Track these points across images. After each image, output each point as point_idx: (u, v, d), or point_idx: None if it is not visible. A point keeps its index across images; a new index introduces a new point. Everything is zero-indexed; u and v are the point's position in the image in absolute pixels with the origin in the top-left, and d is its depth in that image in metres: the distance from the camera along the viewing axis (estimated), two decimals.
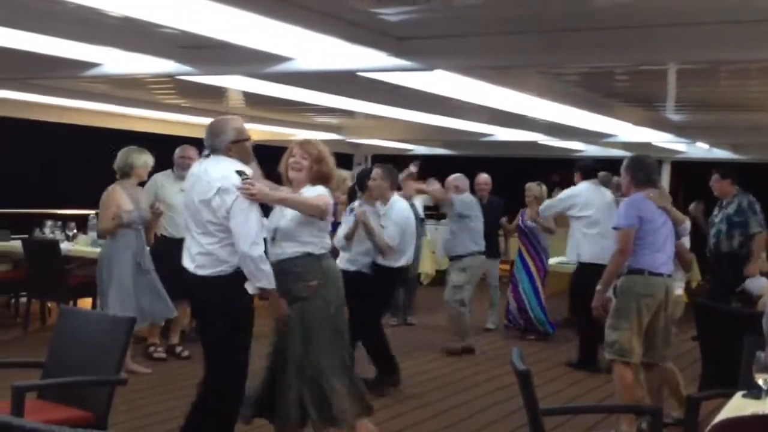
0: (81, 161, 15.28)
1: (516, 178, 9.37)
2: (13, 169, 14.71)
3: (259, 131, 10.96)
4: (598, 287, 5.01)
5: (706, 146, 11.17)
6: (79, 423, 3.55)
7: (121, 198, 6.25)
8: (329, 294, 4.53)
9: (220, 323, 4.14)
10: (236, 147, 4.20)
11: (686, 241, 5.70)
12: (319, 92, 7.07)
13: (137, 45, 5.12)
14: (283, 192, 4.51)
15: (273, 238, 4.54)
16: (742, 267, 7.43)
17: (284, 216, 4.50)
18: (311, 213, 4.42)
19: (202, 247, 4.13)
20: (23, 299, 8.36)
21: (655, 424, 3.64)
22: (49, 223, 8.70)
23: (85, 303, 7.73)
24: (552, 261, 8.99)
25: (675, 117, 8.99)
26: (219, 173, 4.10)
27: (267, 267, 4.11)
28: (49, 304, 8.28)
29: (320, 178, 4.55)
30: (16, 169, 14.82)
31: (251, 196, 4.05)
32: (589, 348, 7.09)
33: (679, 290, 5.81)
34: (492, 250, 8.50)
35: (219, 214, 4.06)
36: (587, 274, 6.40)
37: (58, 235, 8.43)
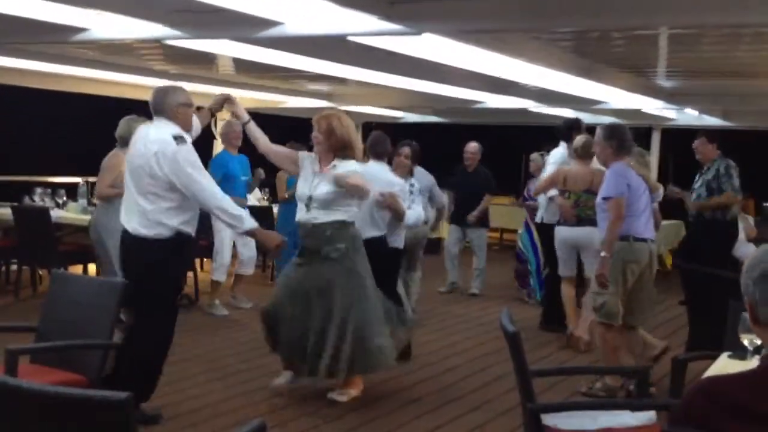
0: (70, 128, 15.19)
1: (508, 145, 9.38)
2: (1, 135, 14.61)
3: (249, 98, 10.90)
4: (603, 254, 5.04)
5: (695, 113, 11.18)
6: (72, 386, 3.57)
7: (123, 164, 6.24)
8: (357, 256, 4.89)
9: (153, 284, 4.27)
10: (182, 111, 4.36)
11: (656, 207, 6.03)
12: (310, 58, 7.03)
13: (126, 8, 5.07)
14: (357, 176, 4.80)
15: (306, 204, 4.87)
16: (725, 231, 7.49)
17: (319, 187, 4.80)
18: (366, 194, 4.88)
19: (141, 209, 4.30)
20: (14, 266, 8.35)
21: (642, 385, 3.70)
22: (38, 190, 8.66)
23: (76, 270, 7.73)
24: None
25: (666, 83, 8.99)
26: (157, 136, 4.28)
27: (238, 211, 4.38)
28: (39, 271, 8.28)
29: (340, 148, 4.83)
30: (4, 136, 14.71)
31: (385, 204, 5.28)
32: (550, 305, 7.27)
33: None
34: (479, 218, 8.80)
35: (157, 177, 4.22)
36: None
37: (48, 202, 8.40)
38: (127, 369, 4.24)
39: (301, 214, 4.89)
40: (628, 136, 5.25)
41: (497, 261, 10.73)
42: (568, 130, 7.25)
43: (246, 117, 5.00)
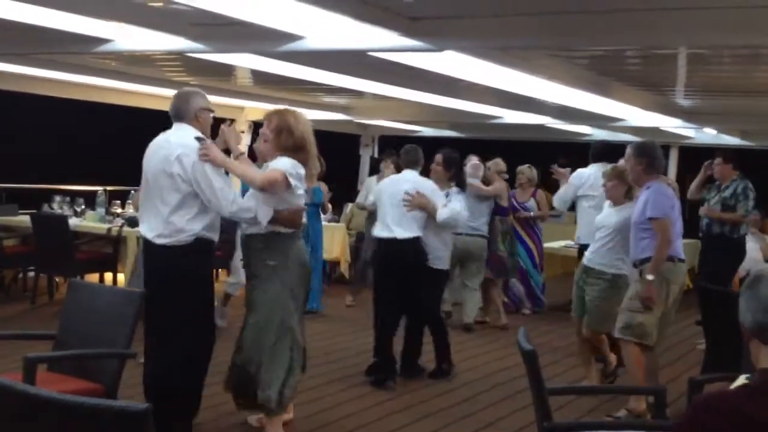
0: (90, 137, 15.30)
1: (524, 160, 9.38)
2: (21, 144, 14.74)
3: (266, 110, 10.94)
4: (649, 277, 4.98)
5: (714, 132, 11.14)
6: (89, 395, 3.59)
7: None
8: (288, 277, 4.37)
9: (176, 293, 4.18)
10: (203, 115, 4.34)
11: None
12: (329, 72, 7.07)
13: (149, 21, 5.12)
14: (236, 162, 4.31)
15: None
16: (733, 248, 7.47)
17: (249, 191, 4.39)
18: (253, 186, 4.25)
19: (161, 216, 4.20)
20: (31, 273, 8.42)
21: (659, 404, 3.68)
22: (57, 198, 8.74)
23: (92, 278, 7.78)
24: (556, 244, 9.05)
25: (684, 102, 8.97)
26: (179, 140, 4.22)
27: (250, 214, 4.25)
28: (56, 279, 8.34)
29: (286, 149, 4.37)
30: (25, 145, 14.84)
31: (206, 158, 4.11)
32: None
33: None
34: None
35: (179, 181, 4.14)
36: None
37: (66, 210, 8.47)
38: (156, 388, 4.22)
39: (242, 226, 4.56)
40: (658, 153, 5.17)
41: None
42: (602, 152, 7.30)
43: (237, 151, 4.44)
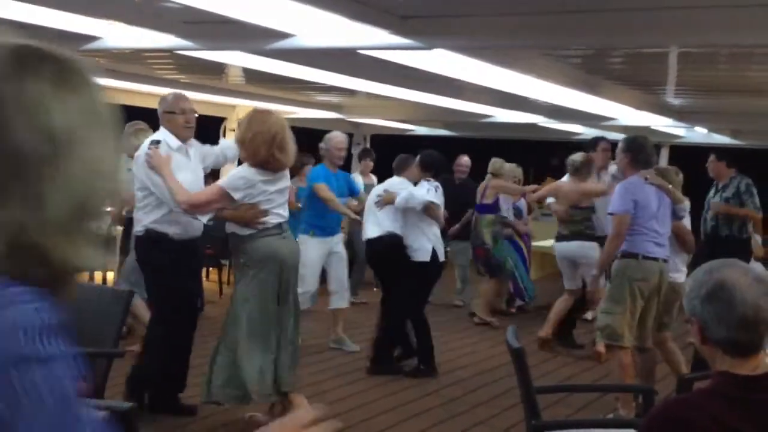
0: None
1: (516, 159, 9.40)
2: None
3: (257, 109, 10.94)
4: (594, 272, 5.01)
5: (704, 131, 11.17)
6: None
7: None
8: (259, 274, 4.44)
9: (142, 281, 4.81)
10: (166, 118, 4.61)
11: (687, 222, 5.60)
12: (320, 70, 7.06)
13: (139, 19, 5.10)
14: (169, 173, 4.47)
15: None
16: (742, 250, 7.41)
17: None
18: (175, 202, 4.45)
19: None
20: None
21: (647, 404, 3.68)
22: None
23: (81, 277, 7.75)
24: (548, 243, 9.08)
25: (675, 101, 8.99)
26: (146, 143, 4.62)
27: (204, 217, 4.67)
28: None
29: (246, 158, 4.47)
30: None
31: (149, 163, 4.47)
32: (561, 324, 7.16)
33: (681, 276, 5.43)
34: (462, 231, 8.74)
35: (137, 178, 4.58)
36: None
37: None
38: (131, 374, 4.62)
39: None
40: (645, 149, 5.10)
41: None
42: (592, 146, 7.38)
43: (166, 175, 4.51)
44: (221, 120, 11.43)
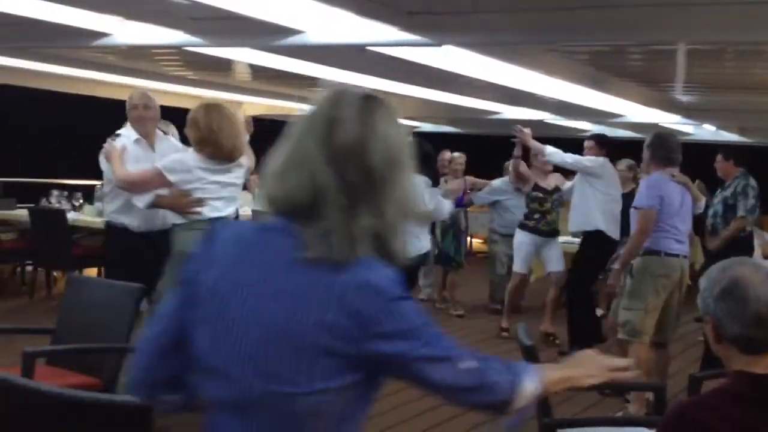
0: (88, 132, 15.26)
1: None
2: (19, 138, 14.72)
3: (264, 105, 10.95)
4: (615, 266, 4.99)
5: (713, 128, 11.15)
6: (88, 389, 3.59)
7: None
8: (172, 270, 4.21)
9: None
10: (129, 114, 4.81)
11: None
12: (328, 66, 7.06)
13: (148, 15, 5.11)
14: (117, 158, 4.52)
15: None
16: (742, 247, 7.42)
17: None
18: (116, 182, 4.59)
19: None
20: (29, 268, 8.40)
21: (659, 401, 3.68)
22: (55, 192, 8.72)
23: (91, 273, 7.77)
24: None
25: (683, 98, 8.97)
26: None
27: (135, 198, 4.49)
28: (54, 273, 8.33)
29: (194, 142, 4.32)
30: (23, 139, 14.82)
31: (104, 151, 4.65)
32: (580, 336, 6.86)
33: None
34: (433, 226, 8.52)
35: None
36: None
37: (65, 204, 8.45)
38: None
39: None
40: (669, 146, 5.05)
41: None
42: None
43: (118, 170, 4.54)
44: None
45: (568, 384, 1.71)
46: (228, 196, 4.39)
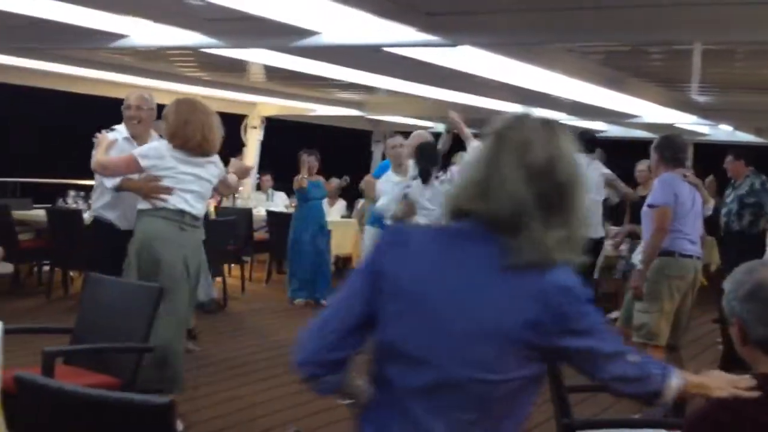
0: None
1: None
2: (37, 138, 14.80)
3: (277, 105, 10.98)
4: (639, 267, 4.95)
5: (729, 129, 11.08)
6: (107, 388, 3.60)
7: None
8: (131, 258, 4.38)
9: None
10: (123, 114, 4.93)
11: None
12: (343, 67, 7.06)
13: (164, 16, 5.13)
14: (102, 147, 4.68)
15: None
16: (756, 244, 7.40)
17: None
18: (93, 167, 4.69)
19: None
20: (46, 268, 8.45)
21: (678, 404, 3.65)
22: (72, 192, 8.76)
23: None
24: None
25: (699, 98, 8.92)
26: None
27: (105, 180, 4.66)
28: (71, 273, 8.37)
29: (167, 134, 4.44)
30: (40, 139, 14.89)
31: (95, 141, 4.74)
32: None
33: None
34: None
35: None
36: None
37: (81, 204, 8.49)
38: None
39: None
40: (677, 147, 5.04)
41: None
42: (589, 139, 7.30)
43: (101, 156, 4.69)
44: (242, 117, 11.47)
45: (702, 390, 1.85)
46: (199, 191, 4.45)
